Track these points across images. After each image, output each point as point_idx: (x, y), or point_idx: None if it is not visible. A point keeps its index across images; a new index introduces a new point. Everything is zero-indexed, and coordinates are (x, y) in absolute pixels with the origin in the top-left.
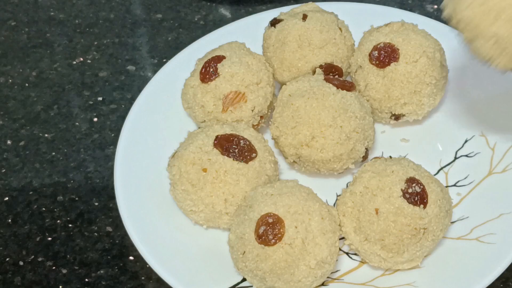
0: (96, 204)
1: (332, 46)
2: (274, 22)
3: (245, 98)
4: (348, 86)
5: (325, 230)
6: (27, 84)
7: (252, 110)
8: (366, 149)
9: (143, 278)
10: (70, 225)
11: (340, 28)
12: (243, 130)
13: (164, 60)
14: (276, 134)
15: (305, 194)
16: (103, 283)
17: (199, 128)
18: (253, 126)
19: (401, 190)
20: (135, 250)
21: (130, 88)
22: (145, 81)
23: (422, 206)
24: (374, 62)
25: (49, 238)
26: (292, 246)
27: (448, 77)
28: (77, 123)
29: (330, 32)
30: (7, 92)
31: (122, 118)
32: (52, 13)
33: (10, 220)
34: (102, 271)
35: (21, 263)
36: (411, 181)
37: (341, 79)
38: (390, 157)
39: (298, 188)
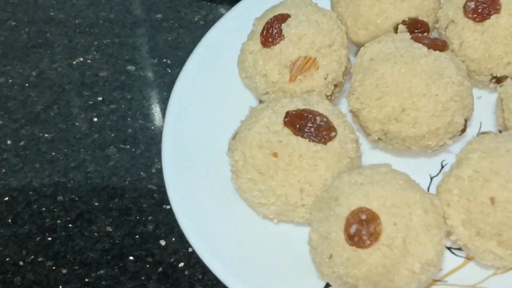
0: (96, 204)
1: None
2: None
3: (316, 65)
4: (441, 46)
5: (430, 225)
6: (27, 84)
7: (325, 78)
8: (465, 120)
9: (143, 278)
10: (70, 225)
11: None
12: (317, 103)
13: (164, 60)
14: (357, 106)
15: (402, 182)
16: (103, 283)
17: (261, 102)
18: (326, 96)
19: None
20: (135, 250)
21: (130, 88)
22: (145, 81)
23: None
24: (470, 15)
25: (49, 238)
26: (391, 247)
27: None
28: (77, 123)
29: None
30: (7, 92)
31: (122, 118)
32: (52, 13)
33: (10, 220)
34: (102, 271)
35: (21, 263)
36: None
37: (431, 37)
38: (500, 131)
39: (393, 175)
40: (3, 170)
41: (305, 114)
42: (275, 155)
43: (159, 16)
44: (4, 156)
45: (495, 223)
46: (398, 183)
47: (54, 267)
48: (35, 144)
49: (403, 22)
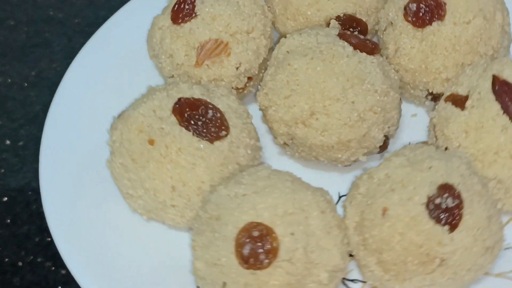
0: None
1: None
2: None
3: (227, 51)
4: (370, 48)
5: (329, 226)
6: (26, 84)
7: (237, 68)
8: (386, 136)
9: None
10: None
11: None
12: (220, 97)
13: None
14: (264, 104)
15: (290, 183)
16: None
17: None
18: (237, 89)
19: (427, 196)
20: None
21: None
22: None
23: (448, 228)
24: (410, 18)
25: (48, 239)
26: (292, 262)
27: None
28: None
29: None
30: (6, 92)
31: None
32: (51, 13)
33: (9, 221)
34: None
35: (20, 263)
36: (445, 189)
37: (362, 37)
38: (446, 148)
39: (276, 177)
40: (2, 170)
41: (197, 104)
42: (151, 142)
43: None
44: (3, 156)
45: (379, 237)
46: (285, 185)
47: (53, 268)
48: (34, 144)
49: (337, 18)
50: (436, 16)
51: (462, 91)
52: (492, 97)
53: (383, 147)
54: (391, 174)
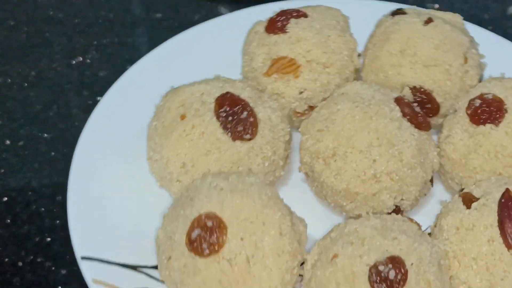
0: None
1: (442, 72)
2: (395, 12)
3: (297, 72)
4: (419, 122)
5: (282, 250)
6: (26, 84)
7: (301, 92)
8: (397, 207)
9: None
10: None
11: (466, 58)
12: (266, 107)
13: None
14: (303, 130)
15: (266, 198)
16: None
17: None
18: (295, 113)
19: (376, 261)
20: None
21: None
22: None
23: None
24: (469, 111)
25: (48, 239)
26: (231, 263)
27: None
28: (76, 123)
29: (448, 54)
30: (6, 92)
31: None
32: (51, 13)
33: (9, 221)
34: None
35: (20, 263)
36: (394, 261)
37: (418, 111)
38: (430, 234)
39: (258, 188)
40: (2, 170)
41: (238, 103)
42: (182, 117)
43: (159, 15)
44: (3, 156)
45: (319, 279)
46: (260, 197)
47: (53, 268)
48: (34, 144)
49: (413, 88)
50: (492, 119)
51: (476, 193)
52: (495, 207)
53: (392, 213)
54: (359, 230)
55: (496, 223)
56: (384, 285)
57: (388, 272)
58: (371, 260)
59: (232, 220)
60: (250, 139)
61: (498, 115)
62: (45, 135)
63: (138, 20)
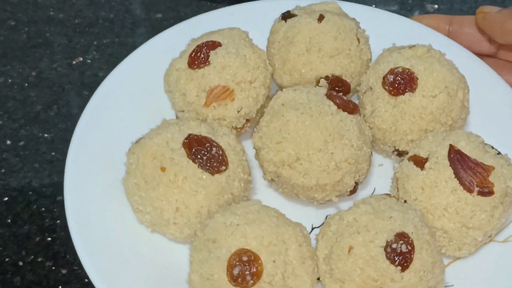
0: None
1: (345, 57)
2: (286, 16)
3: (232, 96)
4: (351, 108)
5: (304, 257)
6: (26, 84)
7: (238, 111)
8: (356, 183)
9: None
10: None
11: (358, 39)
12: (222, 135)
13: None
14: (258, 145)
15: (275, 219)
16: None
17: (177, 118)
18: (236, 128)
19: (387, 241)
20: None
21: None
22: None
23: (400, 268)
24: (387, 87)
25: (49, 239)
26: (272, 284)
27: (467, 120)
28: (76, 123)
29: (346, 40)
30: (7, 92)
31: None
32: (51, 13)
33: (9, 220)
34: None
35: (20, 263)
36: (401, 236)
37: (345, 98)
38: (405, 201)
39: (265, 212)
40: (3, 170)
41: (204, 142)
42: (163, 169)
43: (159, 15)
44: (4, 156)
45: (343, 269)
46: (271, 220)
47: (53, 267)
48: (34, 144)
49: (326, 78)
50: (409, 88)
51: (423, 154)
52: (447, 162)
53: (353, 191)
54: (358, 219)
55: (453, 176)
56: (401, 257)
57: (401, 247)
58: (382, 242)
59: (260, 249)
60: (226, 170)
61: (412, 83)
62: (46, 135)
63: (138, 20)
